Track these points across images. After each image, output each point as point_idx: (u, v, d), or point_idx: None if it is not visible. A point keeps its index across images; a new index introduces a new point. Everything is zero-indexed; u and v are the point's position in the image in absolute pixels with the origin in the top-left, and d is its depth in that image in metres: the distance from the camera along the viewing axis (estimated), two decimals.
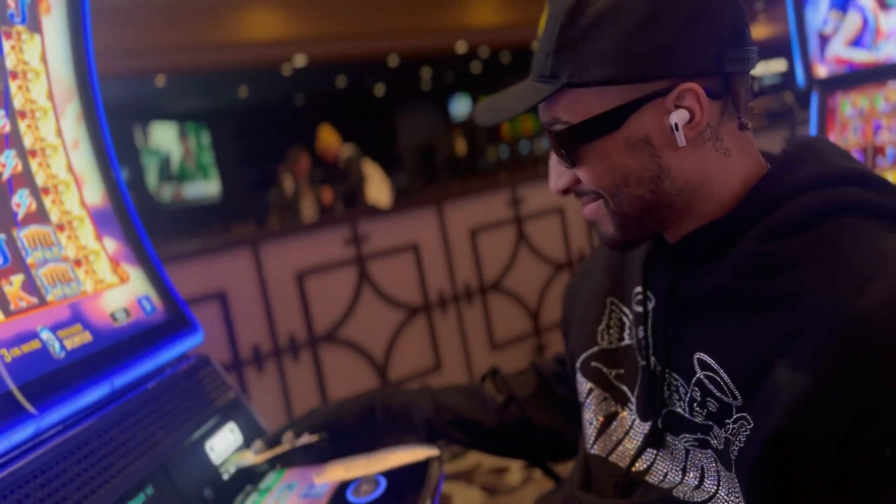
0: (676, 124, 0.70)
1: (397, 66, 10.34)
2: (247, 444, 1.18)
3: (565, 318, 1.02)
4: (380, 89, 12.77)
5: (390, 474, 1.05)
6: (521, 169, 10.86)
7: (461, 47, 9.46)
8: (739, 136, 0.75)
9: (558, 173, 0.80)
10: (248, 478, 1.12)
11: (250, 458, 1.12)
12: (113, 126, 1.21)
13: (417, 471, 1.04)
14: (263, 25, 7.13)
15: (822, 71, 2.20)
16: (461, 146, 13.77)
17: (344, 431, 1.12)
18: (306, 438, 1.12)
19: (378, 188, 5.67)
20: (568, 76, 0.72)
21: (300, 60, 8.45)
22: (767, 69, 11.94)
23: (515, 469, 2.83)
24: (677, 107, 0.70)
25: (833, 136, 2.17)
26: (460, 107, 13.85)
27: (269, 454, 1.12)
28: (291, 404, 3.18)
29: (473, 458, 2.99)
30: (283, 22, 7.25)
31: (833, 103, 2.21)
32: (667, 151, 0.72)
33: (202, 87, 9.65)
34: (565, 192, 0.80)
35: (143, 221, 1.22)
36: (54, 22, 1.10)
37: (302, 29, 7.28)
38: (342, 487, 1.05)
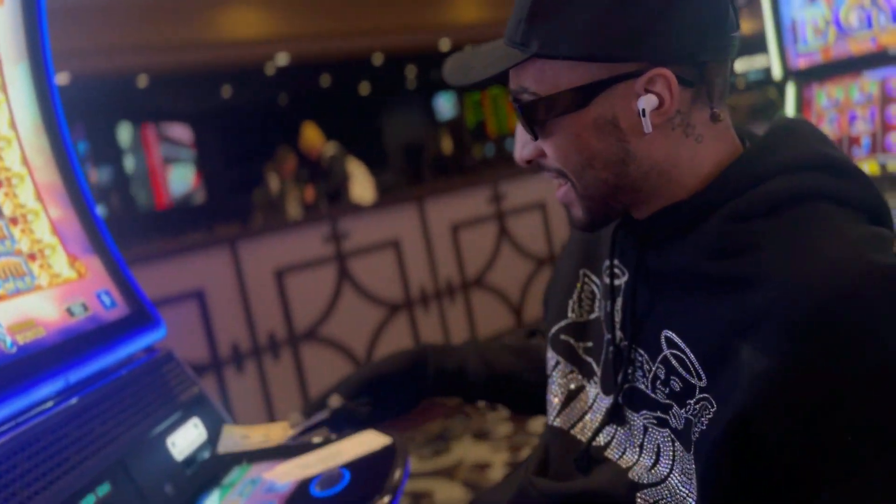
0: (644, 110, 0.68)
1: (382, 65, 10.31)
2: (211, 439, 1.16)
3: (545, 293, 1.01)
4: (365, 88, 12.73)
5: (353, 465, 1.03)
6: (507, 166, 10.87)
7: (445, 45, 9.44)
8: (713, 123, 0.73)
9: (524, 142, 0.77)
10: (212, 474, 1.11)
11: (281, 432, 1.02)
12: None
13: (382, 459, 1.03)
14: (244, 23, 7.09)
15: (797, 63, 2.21)
16: (447, 144, 13.74)
17: (391, 388, 1.02)
18: (336, 402, 1.00)
19: (362, 186, 5.66)
20: (538, 46, 0.69)
21: (283, 59, 8.41)
22: (751, 65, 11.97)
23: (498, 465, 2.83)
24: (647, 91, 0.68)
25: None
26: (445, 105, 13.83)
27: (305, 424, 1.01)
28: (272, 403, 3.17)
29: (456, 455, 2.98)
30: (264, 20, 7.22)
31: (809, 95, 2.22)
32: (634, 136, 0.70)
33: (185, 87, 9.58)
34: (529, 162, 0.78)
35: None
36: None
37: (283, 27, 7.25)
38: (305, 482, 1.03)
